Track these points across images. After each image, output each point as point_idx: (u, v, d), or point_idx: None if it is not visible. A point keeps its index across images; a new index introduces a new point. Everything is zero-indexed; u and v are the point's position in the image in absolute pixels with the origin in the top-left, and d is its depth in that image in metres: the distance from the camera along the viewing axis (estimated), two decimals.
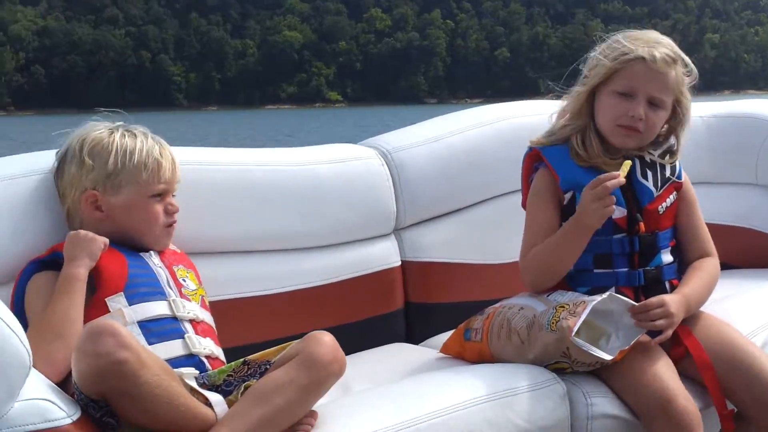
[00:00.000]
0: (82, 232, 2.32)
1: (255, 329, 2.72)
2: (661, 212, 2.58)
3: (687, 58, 2.60)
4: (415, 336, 3.05)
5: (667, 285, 2.57)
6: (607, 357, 2.32)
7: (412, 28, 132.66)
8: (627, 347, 2.36)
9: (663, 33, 2.63)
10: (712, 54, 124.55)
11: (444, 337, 2.78)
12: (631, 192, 2.56)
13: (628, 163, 2.45)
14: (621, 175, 2.41)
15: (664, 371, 2.38)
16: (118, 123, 2.47)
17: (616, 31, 2.61)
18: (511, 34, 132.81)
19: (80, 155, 2.39)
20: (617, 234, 2.54)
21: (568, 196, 2.56)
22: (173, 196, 2.50)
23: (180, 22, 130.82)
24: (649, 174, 2.59)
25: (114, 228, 2.39)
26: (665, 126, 2.63)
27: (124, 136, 2.42)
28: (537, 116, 2.96)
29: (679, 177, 2.65)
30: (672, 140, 2.66)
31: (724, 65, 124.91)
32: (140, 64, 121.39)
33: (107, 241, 2.33)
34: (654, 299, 2.44)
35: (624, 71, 2.53)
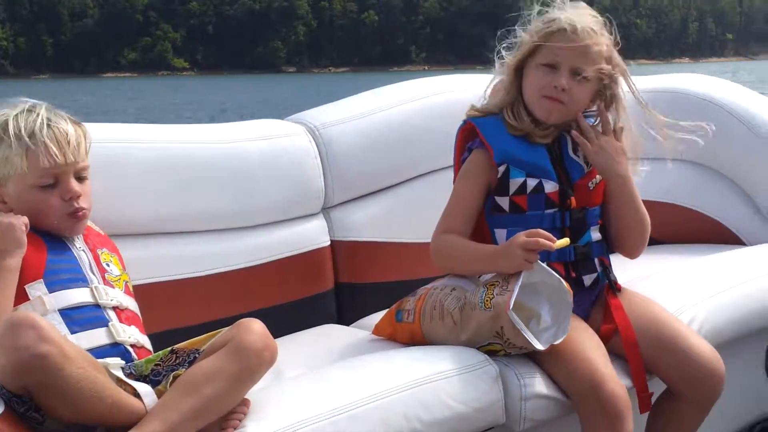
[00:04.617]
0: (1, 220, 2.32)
1: (182, 313, 2.80)
2: (591, 188, 2.78)
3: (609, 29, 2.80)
4: (346, 317, 3.18)
5: (597, 261, 2.77)
6: (540, 346, 2.48)
7: None
8: (557, 341, 2.52)
9: None
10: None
11: (375, 317, 2.92)
12: (562, 167, 2.75)
13: (566, 241, 2.60)
14: (554, 245, 2.54)
15: (595, 353, 2.56)
16: (26, 102, 2.44)
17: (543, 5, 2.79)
18: None
19: None
20: (549, 209, 2.72)
21: (501, 169, 2.71)
22: (82, 178, 2.45)
23: None
24: (580, 150, 2.78)
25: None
26: (600, 102, 2.83)
27: (17, 119, 2.39)
28: (469, 90, 3.12)
29: None
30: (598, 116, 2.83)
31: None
32: None
33: (26, 219, 2.34)
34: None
35: (547, 44, 2.72)
